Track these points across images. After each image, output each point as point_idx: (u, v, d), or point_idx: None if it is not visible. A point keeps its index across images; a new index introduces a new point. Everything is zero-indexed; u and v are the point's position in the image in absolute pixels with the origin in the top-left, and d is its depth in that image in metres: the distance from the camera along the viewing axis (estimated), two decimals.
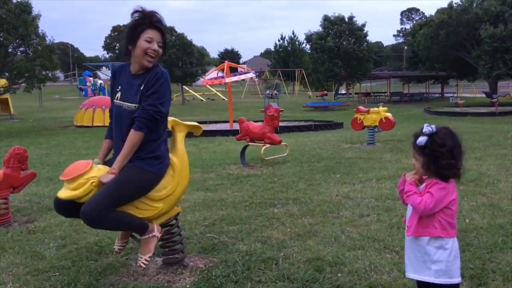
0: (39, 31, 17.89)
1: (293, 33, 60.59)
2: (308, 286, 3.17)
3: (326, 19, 38.22)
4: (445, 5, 32.49)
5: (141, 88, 3.10)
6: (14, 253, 4.00)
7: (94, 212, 2.81)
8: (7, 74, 18.15)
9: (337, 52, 37.23)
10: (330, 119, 20.07)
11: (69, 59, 78.49)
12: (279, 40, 59.82)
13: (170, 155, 3.32)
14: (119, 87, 3.23)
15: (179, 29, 51.81)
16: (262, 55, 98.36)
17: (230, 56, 76.80)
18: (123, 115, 3.14)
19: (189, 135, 3.63)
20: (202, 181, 6.89)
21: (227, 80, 16.56)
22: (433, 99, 39.59)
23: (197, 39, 53.60)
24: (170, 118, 3.36)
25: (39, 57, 17.58)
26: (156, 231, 3.20)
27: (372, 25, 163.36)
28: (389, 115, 10.35)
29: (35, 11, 17.82)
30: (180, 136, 3.48)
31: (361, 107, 10.95)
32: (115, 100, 3.23)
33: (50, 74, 18.92)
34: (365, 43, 38.46)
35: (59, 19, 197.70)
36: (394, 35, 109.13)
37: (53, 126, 19.82)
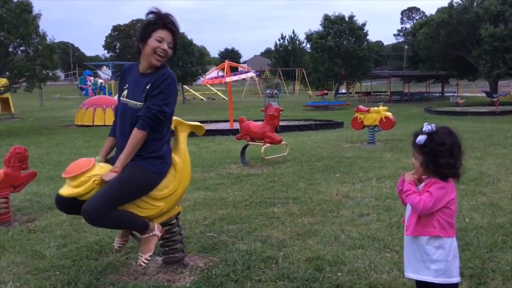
0: (40, 31, 17.90)
1: (293, 32, 60.81)
2: (308, 285, 3.17)
3: (326, 18, 38.19)
4: (445, 4, 32.52)
5: (148, 87, 3.11)
6: (15, 252, 4.01)
7: (96, 210, 2.81)
8: (7, 73, 18.16)
9: (338, 51, 37.20)
10: (331, 118, 20.06)
11: (70, 58, 78.52)
12: (279, 40, 59.86)
13: (172, 154, 3.33)
14: (126, 85, 3.26)
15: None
16: (262, 54, 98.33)
17: (231, 55, 76.84)
18: (128, 113, 3.15)
19: (191, 134, 3.65)
20: (202, 180, 6.90)
21: (228, 79, 16.56)
22: (434, 98, 39.57)
23: (197, 39, 53.79)
24: (173, 118, 3.37)
25: (40, 56, 17.59)
26: (157, 230, 3.21)
27: (372, 25, 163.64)
28: (389, 114, 10.35)
29: (35, 11, 17.86)
30: (182, 136, 3.49)
31: (361, 107, 10.96)
32: (121, 98, 3.25)
33: (50, 74, 18.91)
34: (366, 43, 38.41)
35: (59, 18, 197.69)
36: (394, 35, 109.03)
37: (53, 126, 19.82)
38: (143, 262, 3.16)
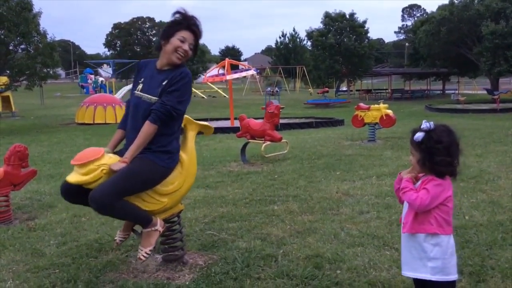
0: (40, 29, 17.91)
1: (294, 30, 60.87)
2: (307, 283, 3.18)
3: (327, 16, 38.17)
4: (446, 1, 32.50)
5: (164, 83, 3.17)
6: (15, 250, 4.01)
7: (103, 198, 2.84)
8: (8, 71, 18.17)
9: (338, 49, 37.17)
10: (331, 116, 20.05)
11: (70, 56, 78.50)
12: (280, 37, 59.95)
13: (180, 151, 3.38)
14: (142, 80, 3.32)
15: None
16: (263, 52, 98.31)
17: (231, 53, 76.78)
18: (142, 106, 3.19)
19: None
20: (203, 178, 6.90)
21: (228, 77, 16.53)
22: (434, 96, 39.56)
23: None
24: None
25: (40, 54, 17.60)
26: (159, 226, 3.23)
27: (373, 22, 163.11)
28: (389, 112, 10.35)
29: (36, 9, 17.88)
30: (191, 135, 3.55)
31: (361, 104, 10.96)
32: (135, 91, 3.30)
33: (51, 72, 18.94)
34: (366, 40, 38.40)
35: (60, 16, 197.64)
36: (395, 32, 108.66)
37: (54, 124, 19.83)
38: (143, 255, 3.16)
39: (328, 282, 3.16)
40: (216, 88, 42.95)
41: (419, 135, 2.32)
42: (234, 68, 18.88)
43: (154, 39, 73.63)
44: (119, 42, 74.52)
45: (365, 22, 38.03)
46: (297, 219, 4.69)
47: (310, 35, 39.80)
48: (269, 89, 29.01)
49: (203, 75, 27.29)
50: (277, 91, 26.70)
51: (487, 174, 6.56)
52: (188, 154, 3.43)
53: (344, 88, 43.86)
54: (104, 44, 75.47)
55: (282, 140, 8.39)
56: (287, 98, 35.36)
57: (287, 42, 59.25)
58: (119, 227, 3.49)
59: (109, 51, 77.27)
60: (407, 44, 58.82)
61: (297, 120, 18.33)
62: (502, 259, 3.46)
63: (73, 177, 2.95)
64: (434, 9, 36.42)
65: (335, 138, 11.84)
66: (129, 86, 31.88)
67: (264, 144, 8.16)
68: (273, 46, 65.33)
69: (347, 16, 37.81)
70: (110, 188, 2.86)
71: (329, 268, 3.41)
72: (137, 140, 3.08)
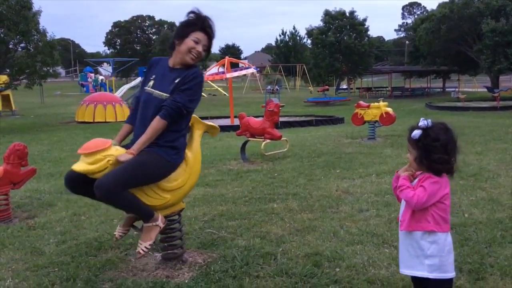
0: (40, 27, 17.87)
1: (294, 28, 60.48)
2: (306, 281, 3.18)
3: (327, 13, 38.09)
4: None
5: (177, 81, 3.23)
6: (14, 249, 4.02)
7: (109, 185, 2.87)
8: (8, 70, 18.15)
9: (338, 47, 37.09)
10: (331, 114, 20.03)
11: (70, 55, 78.51)
12: (280, 35, 59.79)
13: (186, 149, 3.41)
14: (153, 76, 3.37)
15: None
16: (263, 50, 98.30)
17: (231, 51, 76.68)
18: (152, 102, 3.24)
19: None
20: (202, 177, 6.89)
21: (228, 75, 16.52)
22: (435, 93, 39.50)
23: None
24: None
25: (40, 53, 17.56)
26: (160, 221, 3.24)
27: (373, 20, 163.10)
28: (389, 110, 10.33)
29: (35, 7, 17.83)
30: (197, 134, 3.61)
31: (361, 102, 10.94)
32: (146, 88, 3.35)
33: (51, 70, 18.92)
34: (366, 38, 38.31)
35: (60, 15, 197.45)
36: (395, 30, 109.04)
37: (54, 122, 19.83)
38: (142, 250, 3.16)
39: (327, 280, 3.17)
40: (216, 87, 42.90)
41: (416, 133, 2.32)
42: (234, 66, 18.85)
43: (154, 38, 73.61)
44: (119, 40, 74.57)
45: (365, 20, 37.96)
46: (296, 217, 4.70)
47: (310, 33, 39.74)
48: (269, 87, 28.94)
49: (203, 73, 27.26)
50: (277, 89, 26.62)
51: (486, 171, 6.55)
52: (194, 152, 3.48)
53: (344, 86, 43.83)
54: (104, 43, 75.59)
55: (282, 138, 8.39)
56: (287, 96, 35.34)
57: (287, 40, 59.15)
58: (117, 228, 3.49)
59: (109, 49, 77.31)
60: (407, 42, 58.77)
61: (297, 118, 18.33)
62: (501, 256, 3.46)
63: (79, 166, 2.97)
64: (434, 7, 36.45)
65: (335, 136, 11.84)
66: (129, 85, 31.93)
67: (263, 142, 8.16)
68: (273, 44, 65.29)
69: (347, 14, 37.72)
70: (116, 177, 2.90)
71: (328, 266, 3.41)
72: (145, 134, 3.13)
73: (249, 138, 8.47)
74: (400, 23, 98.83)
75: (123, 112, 19.74)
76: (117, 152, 3.05)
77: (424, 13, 56.35)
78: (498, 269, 3.24)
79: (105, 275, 3.37)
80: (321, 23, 38.52)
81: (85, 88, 44.56)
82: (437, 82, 48.04)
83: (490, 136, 10.52)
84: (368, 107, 10.52)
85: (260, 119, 8.58)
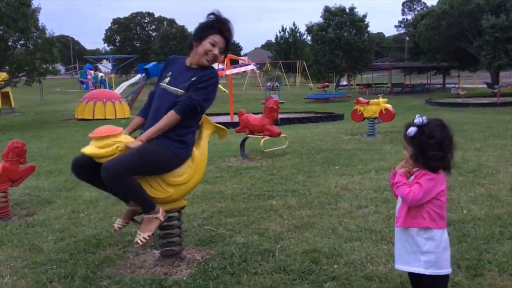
0: (39, 24, 17.82)
1: (294, 24, 60.55)
2: (304, 278, 3.18)
3: (327, 10, 38.04)
4: None
5: (193, 79, 3.30)
6: (13, 246, 4.02)
7: (116, 168, 2.89)
8: (7, 67, 18.12)
9: (338, 43, 37.06)
10: (331, 110, 20.02)
11: (70, 52, 78.45)
12: (280, 32, 59.80)
13: (194, 147, 3.45)
14: (170, 73, 3.45)
15: (179, 21, 51.68)
16: (263, 47, 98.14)
17: (231, 48, 76.37)
18: (166, 97, 3.30)
19: None
20: None
21: (228, 72, 16.52)
22: (435, 90, 39.49)
23: None
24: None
25: (39, 50, 17.51)
26: (161, 215, 3.24)
27: (373, 16, 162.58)
28: (389, 106, 10.33)
29: (34, 4, 17.80)
30: (206, 133, 3.67)
31: (361, 99, 10.94)
32: (161, 83, 3.42)
33: (50, 67, 18.85)
34: (366, 34, 38.28)
35: (59, 12, 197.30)
36: (395, 26, 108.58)
37: (54, 119, 19.82)
38: (140, 240, 3.15)
39: (325, 277, 3.17)
40: None
41: (411, 130, 2.32)
42: (234, 63, 18.84)
43: (153, 34, 73.51)
44: (118, 37, 74.46)
45: (365, 16, 37.93)
46: (295, 214, 4.70)
47: (310, 29, 39.71)
48: (269, 84, 28.96)
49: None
50: (277, 86, 26.63)
51: (486, 168, 6.55)
52: (201, 151, 3.53)
53: (344, 83, 43.81)
54: (103, 40, 75.44)
55: (281, 135, 8.38)
56: (287, 93, 35.31)
57: (287, 36, 59.11)
58: (116, 227, 3.49)
59: (108, 46, 77.23)
60: (407, 38, 58.69)
61: (297, 115, 18.31)
62: (499, 253, 3.46)
63: (89, 149, 3.01)
64: (434, 3, 36.31)
65: (335, 132, 11.83)
66: (129, 82, 31.86)
67: (263, 139, 8.16)
68: (273, 40, 65.20)
69: (347, 10, 37.68)
70: (124, 161, 2.94)
71: (326, 262, 3.42)
72: (157, 124, 3.18)
73: (249, 135, 8.47)
74: (400, 19, 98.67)
75: (123, 109, 19.73)
76: (127, 140, 3.10)
77: (424, 9, 56.25)
78: (496, 266, 3.24)
79: (103, 272, 3.37)
80: (321, 20, 38.48)
81: (84, 85, 44.52)
82: (437, 78, 48.02)
83: (489, 132, 10.52)
84: (368, 103, 10.52)
85: (259, 116, 8.58)
